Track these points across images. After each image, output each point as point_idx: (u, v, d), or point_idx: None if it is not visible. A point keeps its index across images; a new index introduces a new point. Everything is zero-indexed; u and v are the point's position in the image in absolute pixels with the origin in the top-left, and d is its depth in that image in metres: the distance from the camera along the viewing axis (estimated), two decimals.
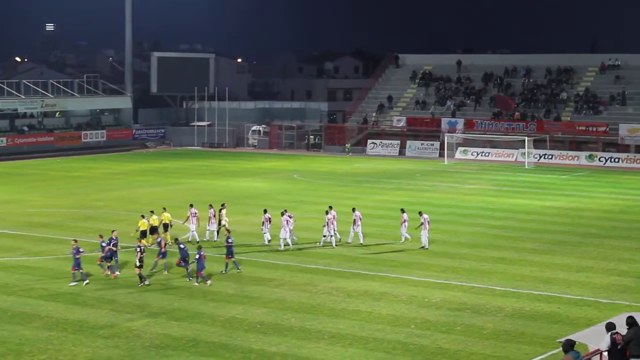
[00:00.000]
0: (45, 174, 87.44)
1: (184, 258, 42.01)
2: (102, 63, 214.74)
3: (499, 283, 41.59)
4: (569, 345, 22.88)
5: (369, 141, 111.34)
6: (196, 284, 41.01)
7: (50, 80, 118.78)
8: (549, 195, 72.10)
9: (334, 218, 50.11)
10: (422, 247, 49.60)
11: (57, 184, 78.33)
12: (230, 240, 43.45)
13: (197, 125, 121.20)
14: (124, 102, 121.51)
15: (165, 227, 50.22)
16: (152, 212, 50.35)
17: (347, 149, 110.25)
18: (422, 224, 49.76)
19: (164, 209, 51.55)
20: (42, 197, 69.65)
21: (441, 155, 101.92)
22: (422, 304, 37.81)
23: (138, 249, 40.79)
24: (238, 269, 43.40)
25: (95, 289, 39.88)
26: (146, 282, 40.80)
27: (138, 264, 40.71)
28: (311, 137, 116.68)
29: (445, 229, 55.59)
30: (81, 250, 41.19)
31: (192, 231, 50.79)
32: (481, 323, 34.91)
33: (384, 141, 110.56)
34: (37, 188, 75.42)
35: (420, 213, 50.50)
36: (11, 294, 39.08)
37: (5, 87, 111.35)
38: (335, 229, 50.21)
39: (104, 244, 42.40)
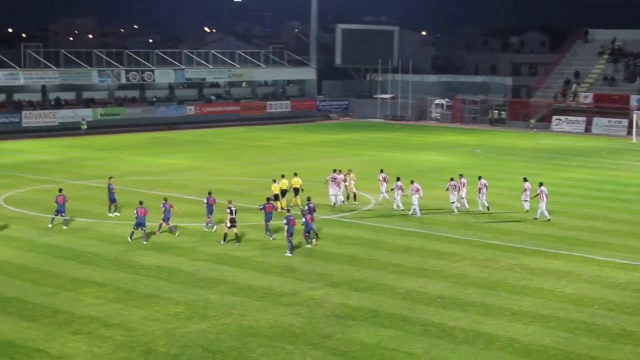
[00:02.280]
0: (231, 142, 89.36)
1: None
2: (288, 34, 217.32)
3: None
4: None
5: (554, 117, 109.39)
6: (308, 246, 42.18)
7: (237, 51, 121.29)
8: None
9: (463, 186, 52.36)
10: (535, 218, 50.06)
11: (242, 153, 79.93)
12: (311, 206, 44.36)
13: (380, 98, 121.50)
14: (308, 74, 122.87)
15: (296, 191, 52.29)
16: (282, 176, 52.44)
17: (531, 125, 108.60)
18: (538, 194, 49.92)
19: (295, 174, 53.35)
20: (228, 165, 71.21)
21: (629, 133, 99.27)
22: (606, 284, 36.97)
23: (228, 210, 42.88)
24: (316, 233, 44.50)
25: (278, 257, 40.55)
26: (236, 244, 42.83)
27: (229, 224, 42.80)
28: (495, 111, 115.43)
29: (632, 209, 54.30)
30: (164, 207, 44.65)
31: (335, 195, 52.92)
32: None
33: (570, 117, 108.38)
34: (222, 156, 77.15)
35: (540, 184, 50.46)
36: (197, 258, 40.11)
37: (194, 56, 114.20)
38: (464, 196, 52.32)
39: (205, 202, 45.66)
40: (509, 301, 34.08)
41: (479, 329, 30.80)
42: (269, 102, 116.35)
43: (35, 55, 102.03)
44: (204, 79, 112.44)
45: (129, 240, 43.33)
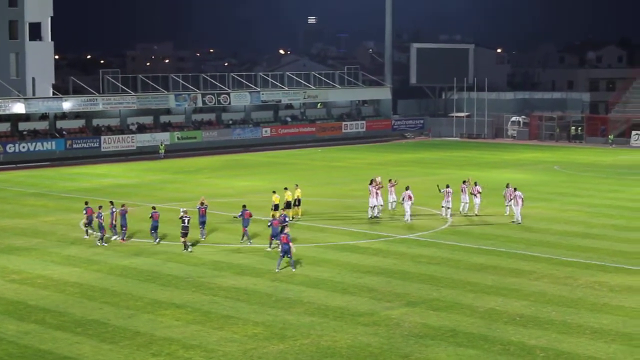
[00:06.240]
0: (307, 163, 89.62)
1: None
2: (362, 55, 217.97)
3: None
4: None
5: (633, 132, 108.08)
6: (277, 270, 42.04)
7: (312, 72, 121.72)
8: None
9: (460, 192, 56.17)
10: (513, 221, 53.06)
11: (318, 174, 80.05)
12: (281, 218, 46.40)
13: (456, 116, 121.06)
14: (383, 93, 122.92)
15: (298, 202, 55.57)
16: (285, 188, 55.00)
17: (610, 140, 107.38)
18: (512, 199, 53.62)
19: (297, 185, 56.13)
20: (304, 186, 71.15)
21: None
22: None
23: (185, 219, 45.60)
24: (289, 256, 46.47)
25: (354, 277, 40.48)
26: (189, 250, 45.84)
27: (183, 232, 45.78)
28: (572, 128, 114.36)
29: None
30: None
31: (372, 206, 55.22)
32: None
33: None
34: (299, 177, 77.17)
35: (514, 189, 54.34)
36: (275, 279, 40.20)
37: (269, 79, 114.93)
38: (466, 201, 55.81)
39: (240, 215, 47.22)
40: (590, 319, 33.64)
41: (559, 347, 30.44)
42: (344, 123, 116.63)
43: (114, 81, 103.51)
44: (280, 101, 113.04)
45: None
